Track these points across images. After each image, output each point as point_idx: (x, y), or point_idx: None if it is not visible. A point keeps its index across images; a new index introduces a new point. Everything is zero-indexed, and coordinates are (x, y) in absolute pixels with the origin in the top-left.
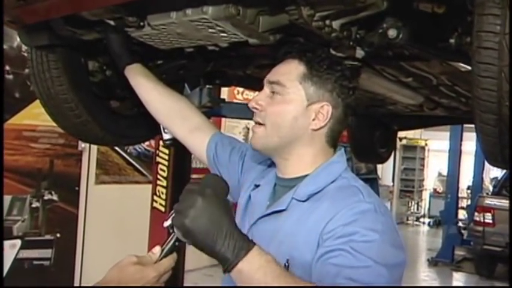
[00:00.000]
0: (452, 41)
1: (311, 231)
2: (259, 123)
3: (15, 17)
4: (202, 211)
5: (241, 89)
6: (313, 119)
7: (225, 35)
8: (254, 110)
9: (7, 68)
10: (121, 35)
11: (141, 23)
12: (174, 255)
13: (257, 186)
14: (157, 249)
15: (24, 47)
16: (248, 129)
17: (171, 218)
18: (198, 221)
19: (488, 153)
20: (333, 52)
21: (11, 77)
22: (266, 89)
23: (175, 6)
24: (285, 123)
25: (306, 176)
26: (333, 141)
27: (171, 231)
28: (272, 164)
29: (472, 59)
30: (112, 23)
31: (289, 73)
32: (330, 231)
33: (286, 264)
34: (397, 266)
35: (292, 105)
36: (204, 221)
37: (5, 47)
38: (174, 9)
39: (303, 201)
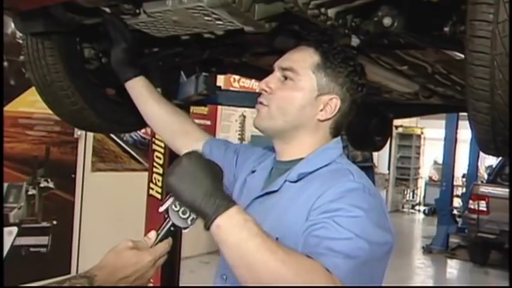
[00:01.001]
0: (446, 29)
1: (301, 209)
2: (263, 104)
3: (10, 3)
4: (186, 170)
5: (237, 77)
6: (321, 110)
7: (220, 22)
8: (263, 92)
9: None
10: (124, 49)
11: (137, 11)
12: (169, 240)
13: (253, 171)
14: (152, 234)
15: (18, 34)
16: (244, 117)
17: (166, 202)
18: (181, 179)
19: (481, 141)
20: None
21: (5, 64)
22: (277, 73)
23: None
24: (292, 109)
25: (301, 159)
26: (336, 132)
27: (166, 216)
28: (267, 153)
29: (465, 48)
30: (108, 10)
31: (304, 61)
32: (317, 207)
33: None
34: (380, 245)
35: (302, 93)
36: (187, 179)
37: None
38: None
39: (294, 181)
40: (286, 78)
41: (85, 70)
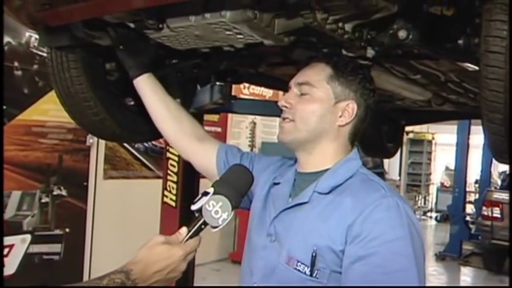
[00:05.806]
0: (460, 42)
1: (339, 223)
2: (288, 119)
3: (38, 20)
4: None
5: (247, 84)
6: (340, 116)
7: (241, 36)
8: (284, 108)
9: (16, 64)
10: (131, 47)
11: (160, 26)
12: (199, 236)
13: (276, 183)
14: (184, 230)
15: (32, 43)
16: (255, 123)
17: (199, 201)
18: None
19: (495, 150)
20: (344, 52)
21: (19, 73)
22: (294, 89)
23: (195, 10)
24: (313, 119)
25: (326, 170)
26: (354, 139)
27: (197, 214)
28: (285, 163)
29: (480, 62)
30: (132, 25)
31: (317, 74)
32: (360, 225)
33: (314, 254)
34: (422, 250)
35: (321, 103)
36: None
37: (13, 43)
38: (193, 13)
39: (326, 193)
40: (303, 93)
41: (106, 81)
